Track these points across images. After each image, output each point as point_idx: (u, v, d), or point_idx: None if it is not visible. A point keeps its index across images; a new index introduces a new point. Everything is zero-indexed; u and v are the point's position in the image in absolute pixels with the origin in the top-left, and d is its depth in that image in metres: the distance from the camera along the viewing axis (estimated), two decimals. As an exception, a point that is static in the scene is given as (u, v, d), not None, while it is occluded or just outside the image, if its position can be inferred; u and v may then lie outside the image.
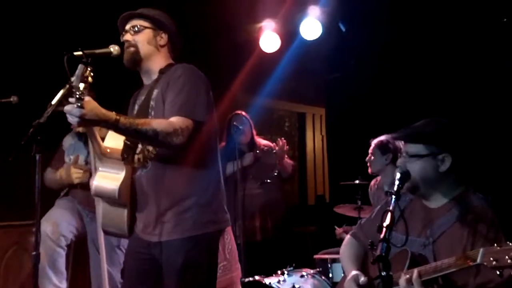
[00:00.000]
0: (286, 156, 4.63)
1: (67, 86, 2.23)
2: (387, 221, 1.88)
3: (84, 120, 2.09)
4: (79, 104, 2.04)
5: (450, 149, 2.19)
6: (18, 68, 4.27)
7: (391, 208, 1.96)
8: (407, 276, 2.00)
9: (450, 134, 2.23)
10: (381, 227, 1.86)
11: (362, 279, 2.24)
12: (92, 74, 2.13)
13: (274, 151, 4.53)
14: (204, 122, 2.39)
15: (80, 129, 3.58)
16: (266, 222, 4.58)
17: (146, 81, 2.60)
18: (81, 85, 2.07)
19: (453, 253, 1.99)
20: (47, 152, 3.69)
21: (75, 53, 2.22)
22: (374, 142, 3.97)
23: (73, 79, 2.12)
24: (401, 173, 2.14)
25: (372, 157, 3.95)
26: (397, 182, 2.10)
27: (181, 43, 2.67)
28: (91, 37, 2.93)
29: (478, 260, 1.84)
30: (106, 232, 2.59)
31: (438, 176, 2.20)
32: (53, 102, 2.26)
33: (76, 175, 3.61)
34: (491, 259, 1.79)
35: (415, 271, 1.99)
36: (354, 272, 2.32)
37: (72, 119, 2.10)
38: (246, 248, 4.03)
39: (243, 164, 4.45)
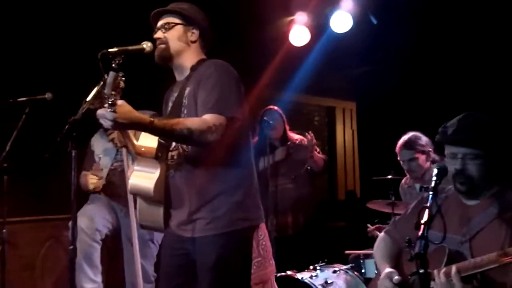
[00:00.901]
0: (316, 150, 4.60)
1: (102, 83, 2.25)
2: (424, 218, 1.86)
3: (117, 124, 2.11)
4: (111, 110, 2.05)
5: (500, 151, 2.19)
6: (53, 65, 4.33)
7: (428, 204, 1.93)
8: (446, 270, 1.97)
9: (498, 135, 2.22)
10: (418, 224, 1.84)
11: (396, 277, 2.22)
12: (123, 78, 2.13)
13: (303, 144, 4.50)
14: (237, 119, 2.39)
15: (118, 143, 3.59)
16: (298, 217, 4.59)
17: (179, 77, 2.61)
18: (112, 92, 2.08)
19: (491, 251, 1.96)
20: (82, 149, 3.80)
21: (109, 50, 2.24)
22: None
23: (100, 83, 2.16)
24: (438, 169, 2.10)
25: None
26: (434, 178, 2.07)
27: (213, 38, 2.66)
28: (124, 34, 2.95)
29: None
30: (143, 227, 2.63)
31: (489, 176, 2.19)
32: (88, 99, 2.28)
33: (91, 181, 3.63)
34: None
35: (454, 267, 1.97)
36: (388, 270, 2.31)
37: (106, 123, 2.11)
38: (278, 243, 4.02)
39: (275, 159, 4.43)
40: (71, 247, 2.20)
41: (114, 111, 2.06)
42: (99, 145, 3.87)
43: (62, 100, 3.38)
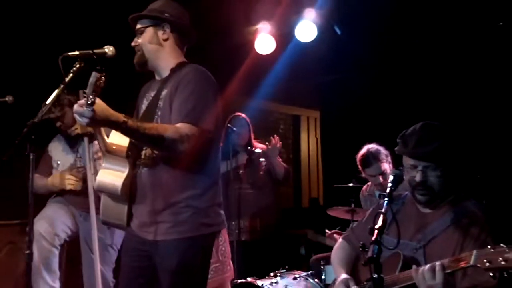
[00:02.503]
0: (279, 159, 4.62)
1: (62, 86, 2.24)
2: (379, 223, 1.90)
3: (93, 121, 2.10)
4: (90, 109, 2.04)
5: (459, 159, 2.25)
6: (13, 68, 4.26)
7: (383, 210, 1.97)
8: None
9: (459, 145, 2.27)
10: (373, 229, 1.87)
11: (354, 287, 2.25)
12: (104, 79, 2.12)
13: (263, 151, 4.51)
14: (209, 130, 2.38)
15: (79, 130, 3.57)
16: (255, 223, 4.58)
17: (158, 76, 2.59)
18: (94, 92, 2.07)
19: (444, 257, 2.01)
20: (40, 152, 3.73)
21: (70, 54, 2.23)
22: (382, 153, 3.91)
23: (69, 76, 2.13)
24: (394, 176, 2.15)
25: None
26: (389, 185, 2.11)
27: (191, 31, 2.61)
28: (87, 37, 2.93)
29: (472, 262, 1.86)
30: (105, 223, 2.61)
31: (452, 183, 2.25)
32: (48, 102, 2.26)
33: (69, 181, 3.61)
34: (485, 260, 1.82)
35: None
36: (343, 276, 2.34)
37: (82, 120, 2.09)
38: (237, 247, 4.04)
39: (234, 164, 4.43)
40: (28, 251, 2.16)
41: (93, 110, 2.05)
42: (57, 150, 3.82)
43: (23, 103, 3.32)
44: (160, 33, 2.52)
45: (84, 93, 2.08)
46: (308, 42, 5.23)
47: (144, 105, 2.57)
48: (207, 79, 2.46)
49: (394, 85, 5.67)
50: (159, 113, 2.45)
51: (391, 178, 2.15)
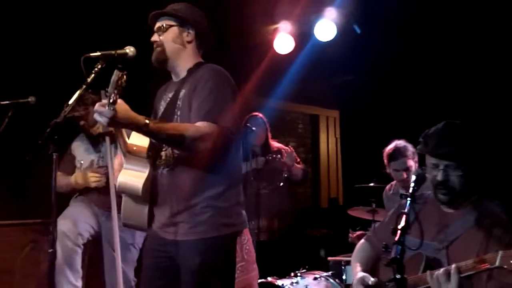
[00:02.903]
0: (297, 160, 4.62)
1: (84, 86, 2.25)
2: (401, 224, 1.88)
3: (114, 122, 2.11)
4: (112, 108, 2.06)
5: (469, 162, 2.21)
6: (36, 69, 4.31)
7: (406, 210, 1.95)
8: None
9: (481, 145, 2.24)
10: (395, 229, 1.86)
11: (372, 279, 2.23)
12: (125, 78, 2.14)
13: (281, 159, 4.51)
14: (229, 128, 2.39)
15: (101, 129, 3.61)
16: (273, 223, 4.59)
17: (175, 78, 2.61)
18: (115, 91, 2.08)
19: (467, 258, 1.98)
20: (63, 152, 3.78)
21: (92, 54, 2.24)
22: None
23: (91, 76, 2.16)
24: (416, 176, 2.13)
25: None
26: (412, 185, 2.09)
27: (210, 37, 2.65)
28: (108, 37, 2.96)
29: (497, 263, 1.83)
30: (126, 225, 2.61)
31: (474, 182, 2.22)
32: (70, 102, 2.28)
33: (93, 179, 3.66)
34: (511, 261, 1.79)
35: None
36: (361, 274, 2.32)
37: (102, 119, 2.11)
38: (256, 247, 4.04)
39: (254, 167, 4.44)
40: (51, 250, 2.18)
41: (114, 109, 2.07)
42: (80, 150, 3.86)
43: (45, 104, 3.36)
44: (184, 34, 2.55)
45: (106, 91, 2.10)
46: (327, 41, 5.21)
47: (162, 107, 2.58)
48: (225, 78, 2.47)
49: (414, 84, 5.63)
50: (178, 113, 2.46)
51: (413, 178, 2.14)
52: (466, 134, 2.23)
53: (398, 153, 3.89)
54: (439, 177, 2.21)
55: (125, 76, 2.13)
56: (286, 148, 4.65)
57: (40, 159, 2.24)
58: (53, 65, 4.29)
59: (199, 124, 2.31)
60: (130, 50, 2.36)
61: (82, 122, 3.73)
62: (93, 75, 2.30)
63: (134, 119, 2.16)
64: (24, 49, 4.26)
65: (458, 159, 2.19)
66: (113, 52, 2.27)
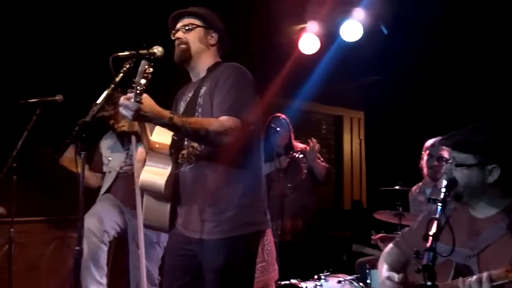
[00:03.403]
0: (320, 158, 4.61)
1: (112, 86, 2.26)
2: (433, 230, 1.84)
3: (139, 115, 2.13)
4: (137, 99, 2.07)
5: (500, 161, 2.13)
6: (64, 67, 4.35)
7: (437, 216, 1.91)
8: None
9: (500, 144, 2.17)
10: (427, 235, 1.82)
11: (398, 276, 2.19)
12: (151, 70, 2.16)
13: (302, 156, 4.50)
14: (252, 123, 2.41)
15: (127, 128, 3.64)
16: (297, 224, 4.58)
17: (194, 78, 2.64)
18: (142, 81, 2.10)
19: (499, 266, 1.94)
20: (91, 151, 3.82)
21: (120, 54, 2.25)
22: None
23: (120, 76, 2.17)
24: (447, 181, 2.09)
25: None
26: (443, 190, 2.05)
27: (229, 43, 2.70)
28: (135, 37, 2.96)
29: None
30: (147, 226, 2.63)
31: (484, 186, 2.15)
32: (98, 101, 2.29)
33: None
34: None
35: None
36: (386, 273, 2.29)
37: (127, 113, 2.13)
38: (279, 248, 4.02)
39: (277, 167, 4.44)
40: (77, 247, 2.19)
41: (140, 102, 2.08)
42: (108, 147, 3.90)
43: (73, 102, 3.40)
44: (209, 37, 2.60)
45: (133, 83, 2.10)
46: (353, 42, 5.17)
47: (182, 107, 2.60)
48: (245, 73, 2.50)
49: (440, 86, 5.56)
50: (200, 110, 2.47)
51: (444, 183, 2.10)
52: (489, 132, 2.18)
53: (438, 142, 3.92)
54: (446, 169, 2.19)
55: (151, 69, 2.14)
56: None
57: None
58: (81, 64, 4.33)
59: (222, 118, 2.33)
60: (158, 50, 2.37)
61: (111, 121, 3.76)
62: (121, 74, 2.31)
63: (159, 113, 2.19)
64: (52, 48, 4.31)
65: (464, 151, 2.15)
66: (141, 51, 2.28)
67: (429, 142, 4.00)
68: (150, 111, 2.15)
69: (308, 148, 4.54)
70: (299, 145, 4.73)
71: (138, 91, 2.07)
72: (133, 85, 2.10)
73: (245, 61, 2.59)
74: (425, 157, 4.01)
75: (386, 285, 2.25)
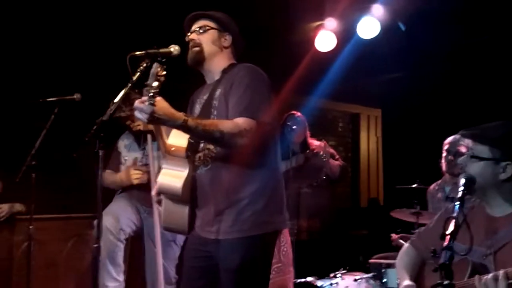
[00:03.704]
0: (336, 156, 4.61)
1: (129, 85, 2.28)
2: (450, 229, 1.82)
3: (153, 118, 2.14)
4: (151, 102, 2.08)
5: None
6: (82, 66, 4.40)
7: (455, 214, 1.90)
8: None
9: None
10: (444, 234, 1.81)
11: None
12: (165, 73, 2.16)
13: (322, 153, 4.50)
14: (267, 123, 2.40)
15: (142, 127, 3.66)
16: (313, 223, 4.57)
17: (209, 80, 2.64)
18: (155, 84, 2.11)
19: (516, 265, 1.91)
20: (109, 149, 3.85)
21: (137, 53, 2.26)
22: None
23: (137, 75, 2.18)
24: (466, 179, 2.07)
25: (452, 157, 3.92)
26: (461, 188, 2.03)
27: (243, 46, 2.70)
28: (152, 37, 2.98)
29: None
30: (166, 229, 2.64)
31: (496, 183, 2.13)
32: (116, 100, 2.30)
33: (135, 176, 3.71)
34: None
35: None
36: (406, 283, 2.27)
37: (142, 116, 2.14)
38: (294, 246, 4.02)
39: (293, 165, 4.44)
40: (96, 245, 2.22)
41: (153, 104, 2.09)
42: (125, 147, 3.93)
43: (91, 101, 3.43)
44: (223, 39, 2.60)
45: (146, 86, 2.11)
46: (370, 39, 5.14)
47: (197, 109, 2.61)
48: (259, 74, 2.49)
49: (458, 83, 5.50)
50: (215, 112, 2.48)
51: (462, 181, 2.08)
52: (509, 128, 2.15)
53: (458, 138, 3.87)
54: (461, 160, 2.18)
55: (164, 71, 2.14)
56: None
57: (86, 156, 2.28)
58: (99, 63, 4.37)
59: (237, 120, 2.33)
60: (174, 48, 2.38)
61: (128, 122, 3.78)
62: (138, 73, 2.32)
63: (173, 116, 2.19)
64: (70, 47, 4.35)
65: (481, 142, 2.14)
66: (157, 50, 2.29)
67: (448, 139, 3.99)
68: (164, 113, 2.16)
69: (323, 144, 4.54)
70: (314, 142, 4.72)
71: (151, 94, 2.08)
72: (146, 88, 2.11)
73: (262, 59, 2.59)
74: (444, 154, 4.00)
75: None
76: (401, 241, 4.14)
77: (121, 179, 3.75)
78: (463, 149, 3.86)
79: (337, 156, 4.68)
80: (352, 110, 7.98)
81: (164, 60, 2.22)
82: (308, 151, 4.56)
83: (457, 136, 3.92)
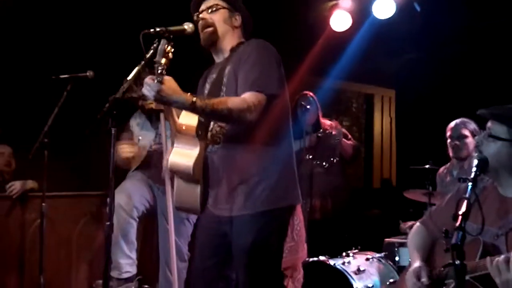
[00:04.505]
0: (348, 136, 4.60)
1: (143, 62, 2.27)
2: (462, 209, 1.81)
3: (160, 96, 2.13)
4: (159, 79, 2.07)
5: None
6: (95, 44, 4.39)
7: (467, 195, 1.88)
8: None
9: None
10: (456, 215, 1.79)
11: (424, 279, 2.17)
12: (172, 50, 2.15)
13: (335, 133, 4.50)
14: (277, 96, 2.39)
15: (154, 106, 3.65)
16: (326, 203, 4.58)
17: (218, 59, 2.63)
18: (163, 60, 2.11)
19: (528, 246, 1.91)
20: (121, 127, 3.86)
21: (151, 30, 2.25)
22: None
23: (150, 52, 2.17)
24: (479, 160, 2.06)
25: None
26: (474, 169, 2.02)
27: (251, 26, 2.68)
28: (166, 14, 2.97)
29: None
30: (179, 209, 2.64)
31: (511, 164, 2.12)
32: (129, 78, 2.30)
33: (122, 150, 3.64)
34: None
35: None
36: (416, 265, 2.27)
37: (149, 93, 2.15)
38: (307, 226, 4.03)
39: (306, 145, 4.44)
40: (108, 223, 2.23)
41: (161, 83, 2.09)
42: (138, 126, 3.92)
43: (103, 78, 3.43)
44: (233, 19, 2.58)
45: (155, 62, 2.11)
46: (385, 19, 5.08)
47: (206, 89, 2.61)
48: (268, 47, 2.48)
49: (473, 64, 5.43)
50: (224, 89, 2.47)
51: (475, 162, 2.06)
52: None
53: (459, 122, 3.95)
54: (477, 139, 2.18)
55: (172, 48, 2.13)
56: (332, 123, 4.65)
57: (99, 133, 2.28)
58: (112, 40, 4.36)
59: (245, 95, 2.32)
60: (188, 26, 2.37)
61: (140, 102, 3.77)
62: (151, 51, 2.32)
63: (181, 97, 2.18)
64: (83, 24, 4.34)
65: (499, 121, 2.12)
66: (171, 28, 2.28)
67: (450, 125, 4.00)
68: (172, 94, 2.15)
69: (334, 124, 4.54)
70: (326, 122, 4.71)
71: (159, 71, 2.07)
72: (155, 65, 2.11)
73: (276, 39, 2.57)
74: (448, 140, 4.01)
75: (412, 280, 2.22)
76: (409, 229, 4.14)
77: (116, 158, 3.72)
78: (465, 132, 3.86)
79: (349, 136, 4.67)
80: (366, 90, 7.92)
81: (171, 36, 2.19)
82: (320, 130, 4.55)
83: (457, 120, 3.96)
